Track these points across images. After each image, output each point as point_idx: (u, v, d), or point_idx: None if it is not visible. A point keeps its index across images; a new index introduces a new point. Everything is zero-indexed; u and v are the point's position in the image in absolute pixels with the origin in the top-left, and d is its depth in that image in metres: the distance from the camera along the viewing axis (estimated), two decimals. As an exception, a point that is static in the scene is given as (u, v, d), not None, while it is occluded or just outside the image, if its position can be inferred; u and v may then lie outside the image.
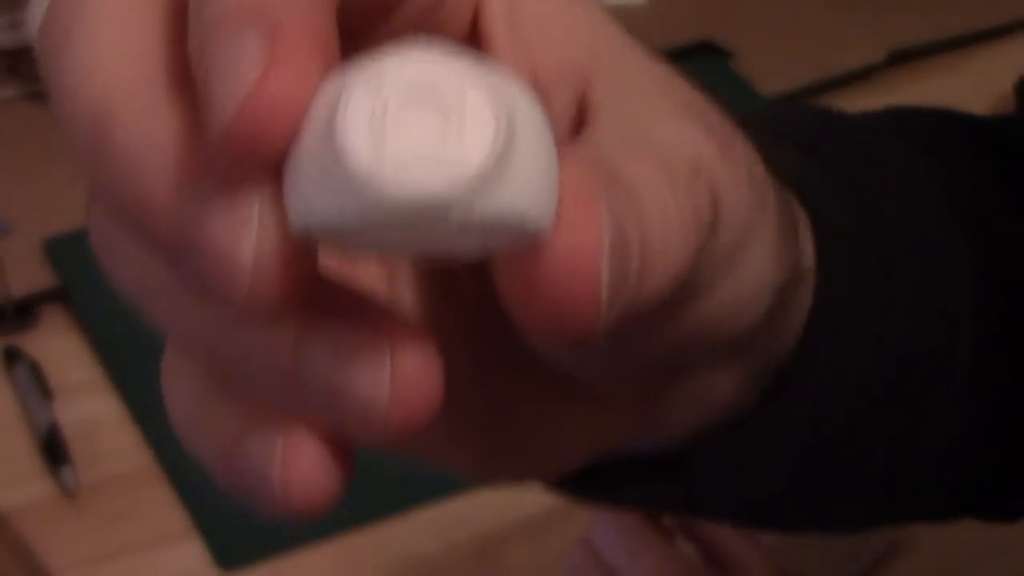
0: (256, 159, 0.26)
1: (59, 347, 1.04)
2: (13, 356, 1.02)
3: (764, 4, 1.37)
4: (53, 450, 0.95)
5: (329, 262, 0.29)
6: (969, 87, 1.28)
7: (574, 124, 0.31)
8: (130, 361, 1.02)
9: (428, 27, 0.30)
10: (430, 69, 0.25)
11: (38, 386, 1.00)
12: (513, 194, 0.25)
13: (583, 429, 0.37)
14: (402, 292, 0.34)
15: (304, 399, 0.29)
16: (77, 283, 1.08)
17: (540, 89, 0.30)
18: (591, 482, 0.40)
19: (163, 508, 0.93)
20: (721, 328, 0.35)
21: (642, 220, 0.28)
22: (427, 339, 0.28)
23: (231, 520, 0.91)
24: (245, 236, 0.26)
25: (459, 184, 0.25)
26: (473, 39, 0.31)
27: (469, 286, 0.33)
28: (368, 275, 0.34)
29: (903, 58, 1.31)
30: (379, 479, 0.94)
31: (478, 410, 0.35)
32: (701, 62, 1.28)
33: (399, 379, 0.28)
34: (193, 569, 0.89)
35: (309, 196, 0.25)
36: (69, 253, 1.10)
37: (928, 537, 0.89)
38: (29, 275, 1.09)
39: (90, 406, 1.00)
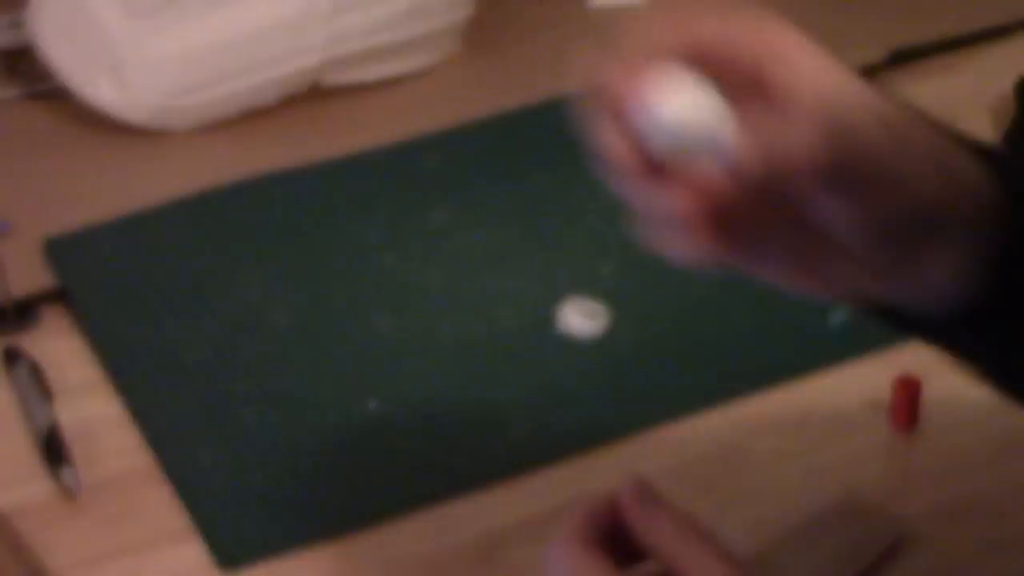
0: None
1: (59, 347, 1.04)
2: (13, 356, 1.02)
3: (764, 4, 1.37)
4: (53, 450, 0.95)
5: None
6: (969, 87, 1.28)
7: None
8: (130, 361, 1.02)
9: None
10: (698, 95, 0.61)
11: (38, 386, 1.00)
12: (725, 133, 0.60)
13: (845, 277, 0.65)
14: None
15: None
16: (77, 283, 1.08)
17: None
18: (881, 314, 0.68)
19: (163, 508, 0.93)
20: (926, 201, 0.62)
21: (776, 142, 0.59)
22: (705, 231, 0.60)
23: (231, 520, 0.91)
24: (627, 151, 0.61)
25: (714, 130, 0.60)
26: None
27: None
28: None
29: (903, 58, 1.31)
30: (379, 479, 0.94)
31: (786, 248, 0.65)
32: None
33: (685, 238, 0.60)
34: (193, 569, 0.90)
35: (656, 135, 0.60)
36: (69, 253, 1.10)
37: (928, 536, 0.89)
38: (29, 275, 1.09)
39: (90, 406, 1.00)
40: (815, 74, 0.62)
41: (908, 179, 0.62)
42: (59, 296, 1.08)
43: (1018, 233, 0.64)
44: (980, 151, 0.65)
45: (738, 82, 0.62)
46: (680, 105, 0.60)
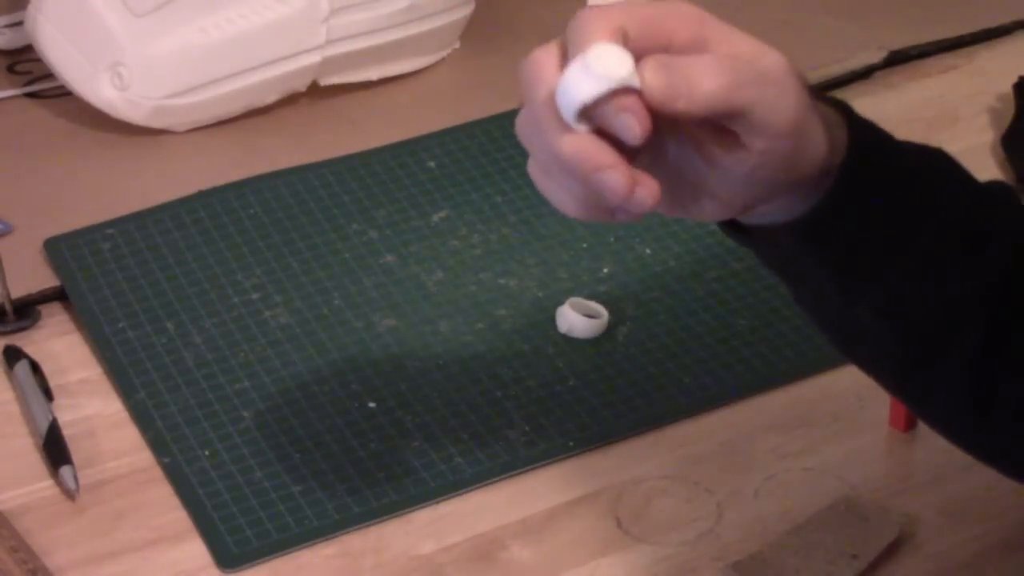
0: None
1: (59, 347, 1.04)
2: (13, 356, 1.02)
3: (764, 4, 1.37)
4: (53, 450, 0.95)
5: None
6: (969, 87, 1.28)
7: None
8: (130, 361, 1.02)
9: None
10: (609, 47, 0.65)
11: (38, 386, 1.00)
12: (627, 74, 0.64)
13: (712, 206, 0.70)
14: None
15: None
16: (77, 283, 1.08)
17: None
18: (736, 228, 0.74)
19: (163, 508, 0.93)
20: (806, 159, 0.68)
21: (688, 75, 0.64)
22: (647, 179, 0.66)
23: (231, 520, 0.91)
24: (550, 114, 0.66)
25: (621, 74, 0.64)
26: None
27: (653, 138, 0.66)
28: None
29: (903, 58, 1.31)
30: (379, 479, 0.94)
31: (667, 189, 0.69)
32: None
33: (632, 190, 0.65)
34: (193, 569, 0.90)
35: (570, 90, 0.64)
36: (69, 253, 1.10)
37: (928, 536, 0.89)
38: (29, 275, 1.09)
39: (90, 406, 1.00)
40: (746, 39, 0.69)
41: (809, 136, 0.68)
42: (59, 296, 1.08)
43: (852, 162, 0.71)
44: (830, 100, 0.73)
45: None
46: (589, 58, 0.65)
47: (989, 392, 0.74)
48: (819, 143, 0.69)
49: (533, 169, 0.68)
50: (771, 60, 0.67)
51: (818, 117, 0.69)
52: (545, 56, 0.67)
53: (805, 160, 0.68)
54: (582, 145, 0.65)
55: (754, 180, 0.68)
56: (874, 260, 0.72)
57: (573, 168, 0.65)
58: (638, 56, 0.65)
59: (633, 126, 0.64)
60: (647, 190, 0.65)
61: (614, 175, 0.65)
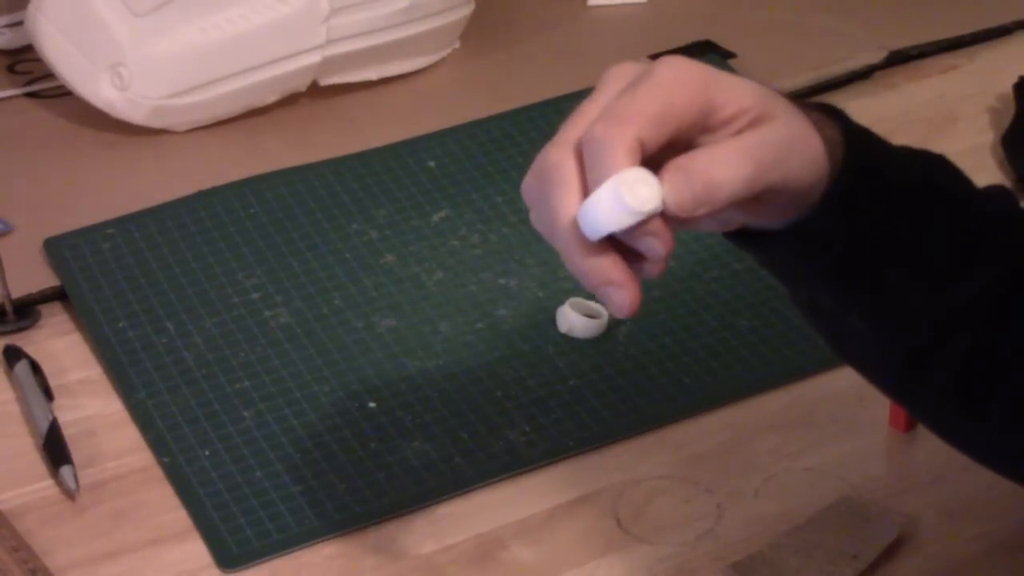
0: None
1: (59, 347, 1.04)
2: (13, 356, 1.02)
3: (764, 4, 1.37)
4: (53, 450, 0.95)
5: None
6: (969, 87, 1.28)
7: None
8: (130, 361, 1.02)
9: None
10: (635, 174, 0.65)
11: (38, 386, 1.00)
12: (656, 204, 0.64)
13: (709, 223, 0.70)
14: None
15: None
16: (77, 283, 1.08)
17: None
18: (743, 235, 0.73)
19: (163, 508, 0.93)
20: (808, 185, 0.69)
21: (710, 182, 0.65)
22: (635, 283, 0.67)
23: (231, 520, 0.91)
24: (571, 232, 0.67)
25: (650, 207, 0.65)
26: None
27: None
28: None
29: (903, 58, 1.31)
30: (379, 479, 0.94)
31: None
32: (701, 62, 1.28)
33: (621, 300, 0.68)
34: (193, 569, 0.90)
35: (599, 219, 0.65)
36: (69, 253, 1.10)
37: (928, 536, 0.89)
38: (29, 275, 1.09)
39: (90, 406, 1.00)
40: (747, 91, 0.68)
41: (813, 184, 0.69)
42: (59, 296, 1.08)
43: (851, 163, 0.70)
44: (825, 109, 0.72)
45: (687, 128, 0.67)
46: (607, 198, 0.65)
47: (982, 396, 0.74)
48: (822, 168, 0.69)
49: (537, 226, 0.69)
50: (783, 118, 0.67)
51: (823, 142, 0.69)
52: (563, 161, 0.67)
53: (807, 186, 0.69)
54: (599, 264, 0.67)
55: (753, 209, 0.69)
56: (868, 269, 0.72)
57: (584, 280, 0.67)
58: (656, 149, 0.65)
59: (658, 248, 0.66)
60: (655, 269, 0.68)
61: (621, 294, 0.67)
